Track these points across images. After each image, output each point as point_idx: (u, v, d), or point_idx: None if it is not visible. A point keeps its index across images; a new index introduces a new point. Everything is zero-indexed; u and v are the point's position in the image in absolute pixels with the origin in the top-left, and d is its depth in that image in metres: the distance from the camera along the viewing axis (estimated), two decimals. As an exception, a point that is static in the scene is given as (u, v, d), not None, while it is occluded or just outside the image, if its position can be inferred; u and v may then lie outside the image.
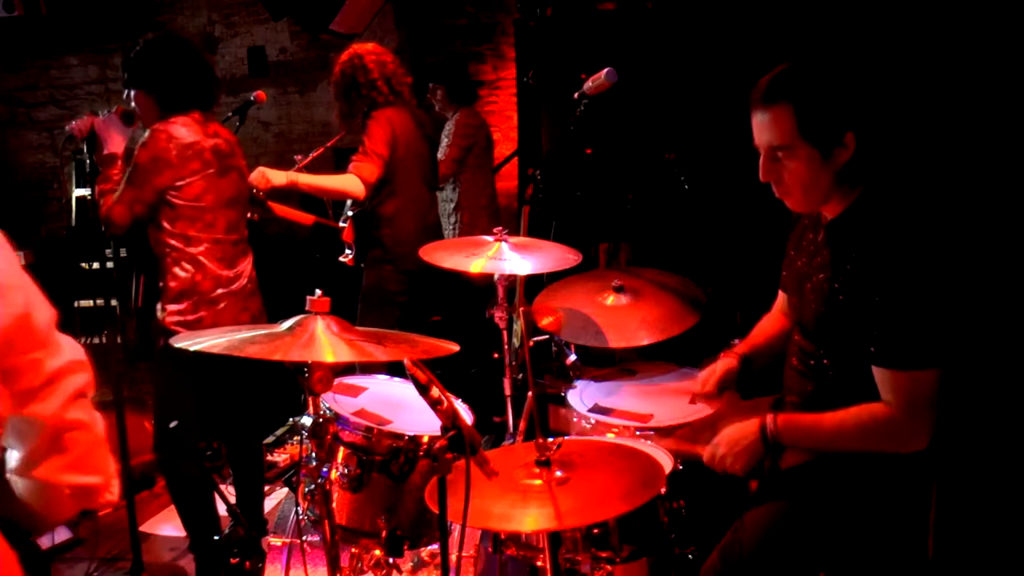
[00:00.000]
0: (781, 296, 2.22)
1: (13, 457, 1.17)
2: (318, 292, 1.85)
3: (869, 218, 1.81)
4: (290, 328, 1.79)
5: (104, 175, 2.88)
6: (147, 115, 2.92)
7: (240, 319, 2.99)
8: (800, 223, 2.06)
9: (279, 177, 3.37)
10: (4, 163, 6.54)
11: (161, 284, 2.93)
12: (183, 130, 2.85)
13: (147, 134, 2.84)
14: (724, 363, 2.25)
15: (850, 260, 1.80)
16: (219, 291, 2.96)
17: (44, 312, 1.16)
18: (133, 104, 2.95)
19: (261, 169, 3.34)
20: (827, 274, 1.85)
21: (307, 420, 1.87)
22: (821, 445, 1.84)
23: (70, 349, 1.20)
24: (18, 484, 1.18)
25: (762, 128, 1.83)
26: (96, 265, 5.81)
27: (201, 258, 2.91)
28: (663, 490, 1.90)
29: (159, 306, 2.95)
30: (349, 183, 3.41)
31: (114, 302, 3.21)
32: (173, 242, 2.89)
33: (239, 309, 3.00)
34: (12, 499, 1.10)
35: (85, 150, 2.96)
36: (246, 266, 3.08)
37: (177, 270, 2.90)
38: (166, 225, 2.88)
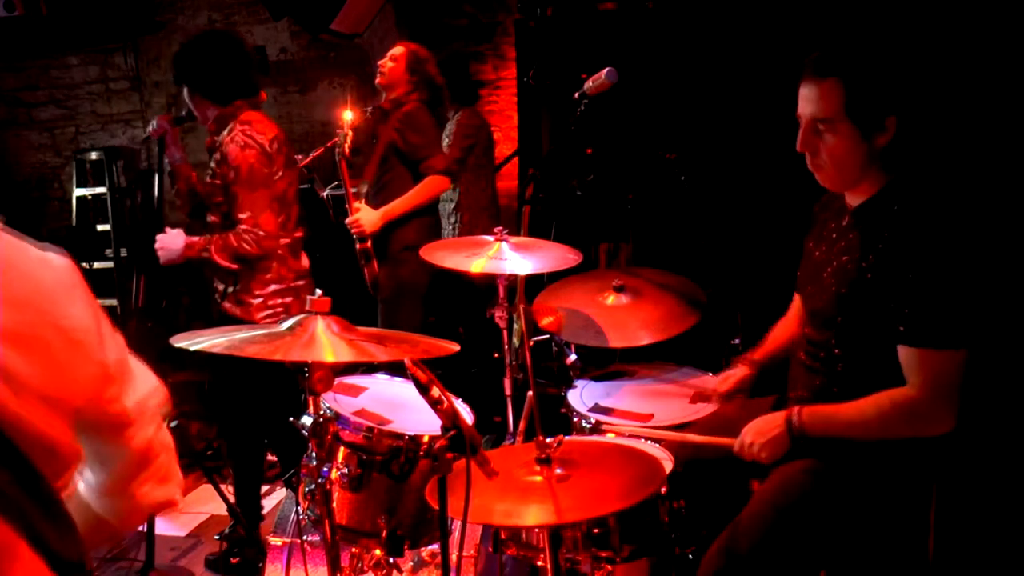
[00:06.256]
0: (797, 299, 2.22)
1: (93, 479, 1.17)
2: (318, 292, 1.85)
3: (902, 201, 1.81)
4: (290, 328, 1.79)
5: (200, 252, 2.92)
6: (204, 111, 3.01)
7: None
8: (820, 218, 2.06)
9: (375, 217, 3.52)
10: (4, 163, 6.54)
11: (239, 280, 2.98)
12: (259, 125, 2.94)
13: (236, 137, 2.88)
14: (741, 371, 2.28)
15: (882, 239, 1.79)
16: (300, 282, 3.08)
17: (116, 346, 1.13)
18: (189, 103, 3.03)
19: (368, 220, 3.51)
20: (852, 256, 1.85)
21: (307, 420, 1.87)
22: (845, 432, 1.83)
23: (143, 374, 1.20)
24: (97, 503, 1.17)
25: (808, 99, 1.83)
26: (97, 265, 5.86)
27: (282, 252, 3.00)
28: (663, 490, 1.90)
29: (235, 299, 3.00)
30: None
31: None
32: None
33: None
34: (71, 527, 1.07)
35: (157, 151, 3.11)
36: (307, 262, 3.18)
37: (262, 264, 2.97)
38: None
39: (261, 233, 2.87)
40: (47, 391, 0.98)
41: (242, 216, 2.88)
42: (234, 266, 2.93)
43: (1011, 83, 2.85)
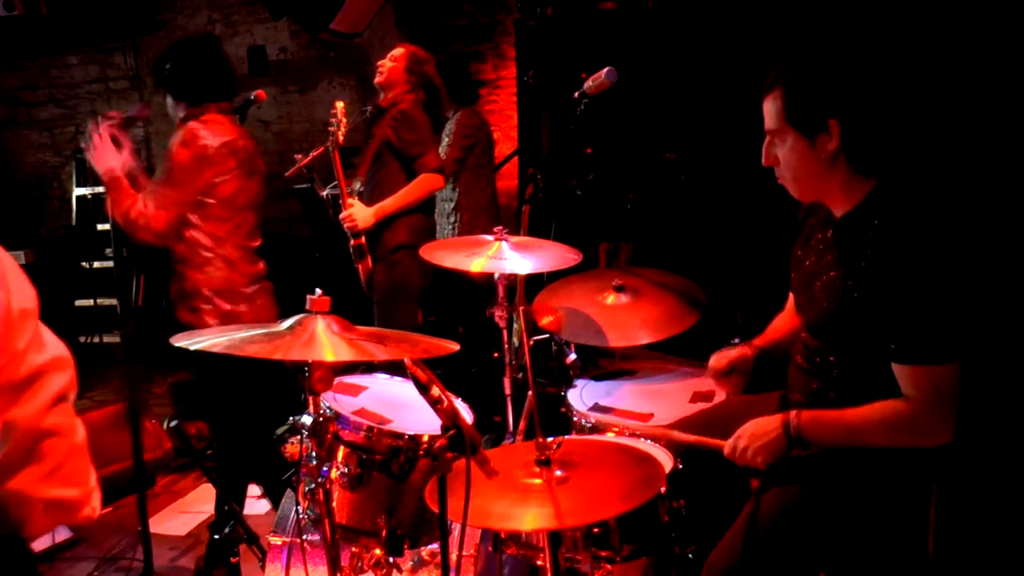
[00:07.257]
0: (792, 298, 2.22)
1: None
2: (318, 291, 1.85)
3: (881, 215, 1.80)
4: (290, 327, 1.79)
5: (117, 191, 2.85)
6: (176, 110, 2.99)
7: (273, 314, 3.05)
8: (807, 224, 2.05)
9: (368, 213, 3.53)
10: (4, 163, 6.55)
11: (187, 285, 2.96)
12: (218, 127, 2.90)
13: (183, 133, 2.87)
14: (739, 350, 2.21)
15: (864, 257, 1.78)
16: (253, 287, 3.03)
17: (24, 297, 1.04)
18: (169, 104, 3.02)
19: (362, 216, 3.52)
20: (839, 272, 1.84)
21: (307, 419, 1.87)
22: (844, 440, 1.82)
23: (53, 345, 1.09)
24: None
25: (765, 113, 1.86)
26: (97, 264, 5.85)
27: (231, 257, 2.97)
28: (663, 490, 1.90)
29: (187, 306, 2.97)
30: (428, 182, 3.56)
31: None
32: (203, 240, 2.93)
33: (272, 304, 3.08)
34: None
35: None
36: (263, 267, 3.14)
37: (210, 269, 2.94)
38: (198, 222, 2.92)
39: (148, 224, 2.82)
40: None
41: (152, 199, 2.84)
42: (119, 221, 2.85)
43: (990, 86, 2.85)
